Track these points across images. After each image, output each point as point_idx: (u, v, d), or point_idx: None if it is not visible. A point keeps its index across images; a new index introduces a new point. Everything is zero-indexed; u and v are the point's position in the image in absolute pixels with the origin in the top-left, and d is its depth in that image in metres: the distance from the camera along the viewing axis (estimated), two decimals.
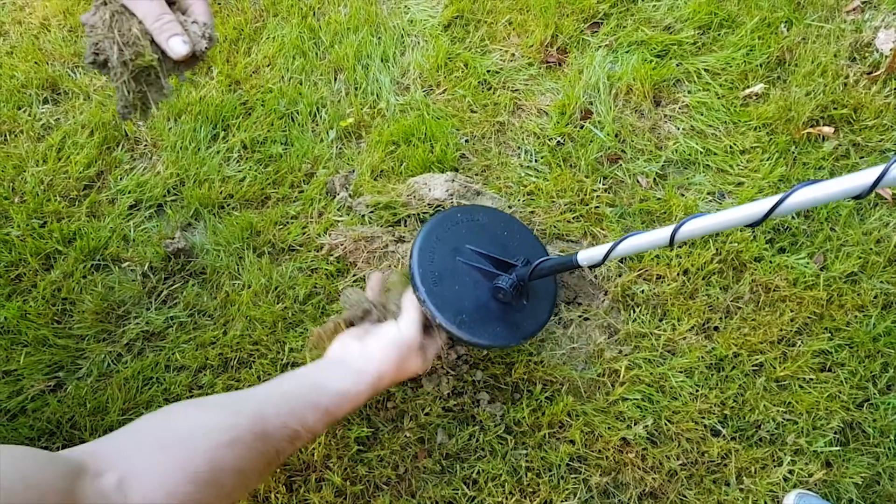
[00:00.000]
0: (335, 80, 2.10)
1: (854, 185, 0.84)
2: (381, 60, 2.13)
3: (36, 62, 2.11)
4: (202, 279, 1.75)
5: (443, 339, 1.37)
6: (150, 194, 1.86)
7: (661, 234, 1.05)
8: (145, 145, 1.96)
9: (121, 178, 1.89)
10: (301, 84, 2.07)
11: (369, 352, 1.17)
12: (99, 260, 1.77)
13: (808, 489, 1.54)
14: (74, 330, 1.67)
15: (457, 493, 1.52)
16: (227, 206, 1.86)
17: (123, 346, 1.66)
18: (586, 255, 1.23)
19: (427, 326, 1.31)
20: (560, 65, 2.13)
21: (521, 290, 1.43)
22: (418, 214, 1.80)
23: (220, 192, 1.86)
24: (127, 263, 1.77)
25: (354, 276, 1.74)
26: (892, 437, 1.60)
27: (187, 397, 1.59)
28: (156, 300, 1.72)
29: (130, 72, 0.92)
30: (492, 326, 1.42)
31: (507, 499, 1.51)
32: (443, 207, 1.74)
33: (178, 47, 0.90)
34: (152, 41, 0.91)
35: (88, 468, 0.73)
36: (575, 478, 1.55)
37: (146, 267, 1.75)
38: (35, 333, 1.64)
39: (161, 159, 1.93)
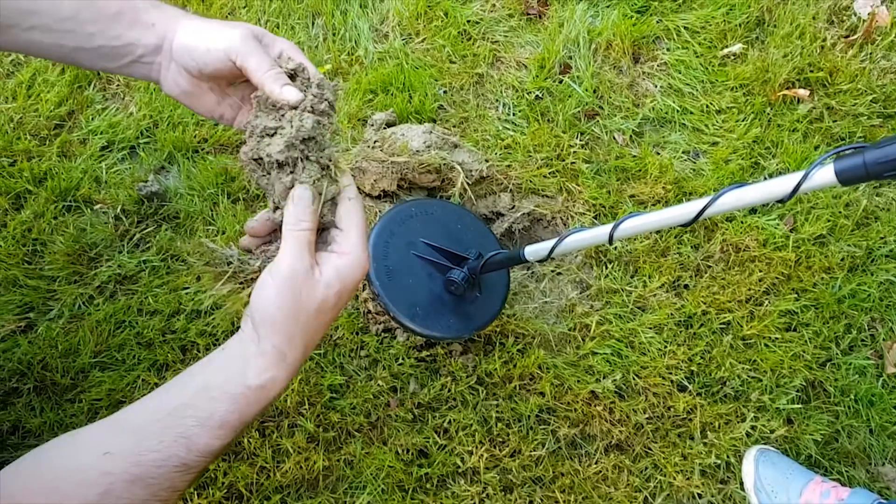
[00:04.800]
0: (313, 24, 2.06)
1: (777, 190, 0.92)
2: (360, 6, 2.09)
3: None
4: (175, 224, 1.74)
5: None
6: (123, 136, 1.83)
7: (601, 231, 1.13)
8: (118, 86, 1.92)
9: (92, 119, 1.85)
10: (278, 28, 2.03)
11: (259, 320, 0.79)
12: (70, 201, 1.74)
13: (770, 445, 1.59)
14: (45, 271, 1.65)
15: (428, 442, 1.55)
16: (202, 150, 1.84)
17: (95, 288, 1.65)
18: (532, 250, 1.30)
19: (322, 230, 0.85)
20: (541, 17, 2.11)
21: (473, 282, 1.48)
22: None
23: (195, 136, 1.84)
24: (99, 206, 1.74)
25: None
26: (852, 397, 1.65)
27: (160, 342, 1.59)
28: (128, 243, 1.71)
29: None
30: (445, 318, 1.47)
31: (477, 448, 1.54)
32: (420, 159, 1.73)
33: (291, 95, 0.81)
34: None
35: None
36: (544, 429, 1.58)
37: (119, 209, 1.73)
38: (5, 273, 1.62)
39: (134, 100, 1.89)
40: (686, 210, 1.01)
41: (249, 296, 0.81)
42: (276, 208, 0.83)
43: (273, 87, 0.81)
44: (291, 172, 0.80)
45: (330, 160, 0.83)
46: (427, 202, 1.66)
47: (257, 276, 0.81)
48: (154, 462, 0.75)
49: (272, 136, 0.81)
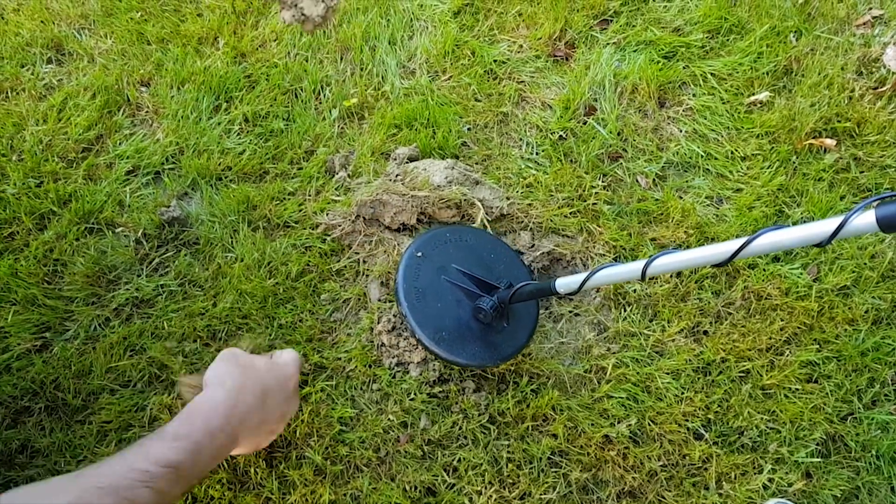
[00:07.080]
0: (341, 59, 2.09)
1: (815, 233, 0.89)
2: (389, 43, 2.11)
3: (42, 21, 2.09)
4: (195, 249, 1.75)
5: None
6: (149, 161, 1.85)
7: (634, 267, 1.12)
8: (146, 112, 1.95)
9: (120, 143, 1.88)
10: (307, 61, 2.06)
11: (192, 406, 0.96)
12: (93, 223, 1.75)
13: (787, 499, 1.55)
14: (64, 291, 1.66)
15: (436, 480, 1.52)
16: (225, 177, 1.85)
17: (112, 310, 1.65)
18: (563, 283, 1.29)
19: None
20: (567, 59, 2.12)
21: (501, 312, 1.48)
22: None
23: (219, 164, 1.85)
24: (121, 229, 1.76)
25: (349, 257, 1.74)
26: (873, 452, 1.61)
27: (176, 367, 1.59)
28: (147, 267, 1.72)
29: None
30: (470, 346, 1.48)
31: (486, 488, 1.51)
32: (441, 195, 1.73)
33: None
34: None
35: None
36: (555, 472, 1.55)
37: (140, 233, 1.74)
38: (25, 292, 1.63)
39: (161, 127, 1.92)
40: (721, 249, 1.00)
41: None
42: None
43: None
44: None
45: None
46: (462, 229, 1.67)
47: None
48: None
49: None
